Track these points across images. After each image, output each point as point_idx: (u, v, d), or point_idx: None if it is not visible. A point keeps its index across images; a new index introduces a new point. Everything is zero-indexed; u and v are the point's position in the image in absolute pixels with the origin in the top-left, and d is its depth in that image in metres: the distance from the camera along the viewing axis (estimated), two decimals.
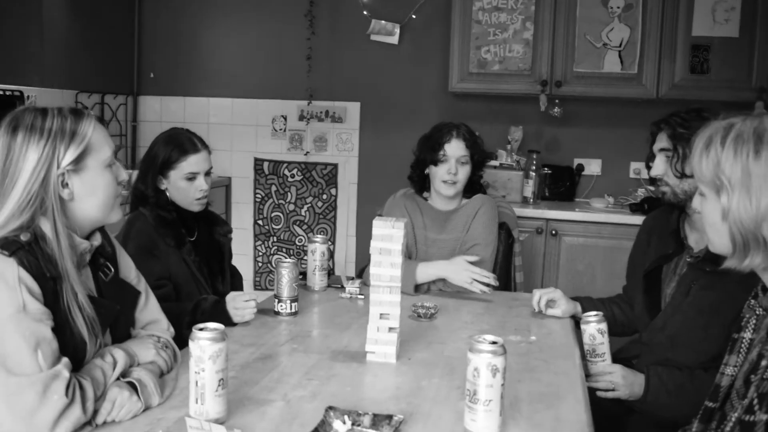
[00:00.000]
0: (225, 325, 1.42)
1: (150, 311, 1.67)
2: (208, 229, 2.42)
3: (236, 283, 2.56)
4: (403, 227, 1.75)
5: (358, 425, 1.35)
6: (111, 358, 1.41)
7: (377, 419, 1.36)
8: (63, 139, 1.38)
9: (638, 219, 3.04)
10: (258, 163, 4.67)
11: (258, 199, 4.71)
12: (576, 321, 2.17)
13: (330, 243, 4.54)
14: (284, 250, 4.71)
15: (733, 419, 1.20)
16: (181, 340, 1.69)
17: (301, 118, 4.57)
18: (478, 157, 2.68)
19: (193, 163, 2.28)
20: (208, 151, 2.34)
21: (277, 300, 2.13)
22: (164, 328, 1.68)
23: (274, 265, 4.68)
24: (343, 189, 4.60)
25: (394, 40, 4.34)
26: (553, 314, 2.23)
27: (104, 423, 1.33)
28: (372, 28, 4.33)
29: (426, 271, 2.48)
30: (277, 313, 2.13)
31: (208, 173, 2.33)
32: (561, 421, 1.44)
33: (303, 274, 2.39)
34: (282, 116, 4.60)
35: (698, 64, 3.74)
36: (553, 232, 3.77)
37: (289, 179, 4.65)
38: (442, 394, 1.57)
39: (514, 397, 1.53)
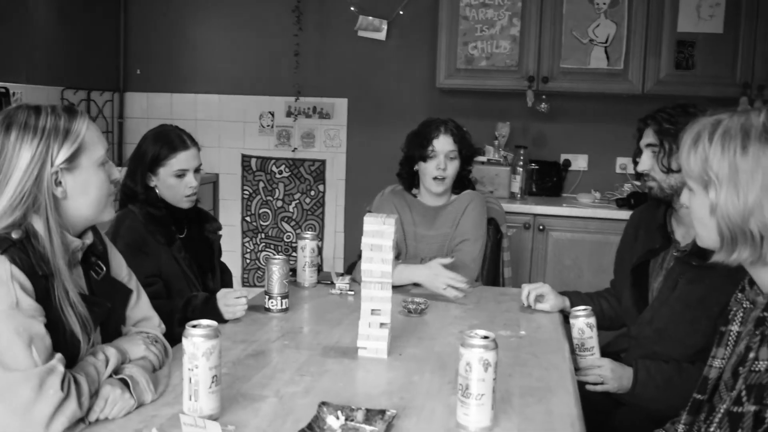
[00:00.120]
0: (216, 322, 1.42)
1: (141, 309, 1.67)
2: (197, 226, 2.41)
3: (226, 280, 2.56)
4: (394, 224, 1.76)
5: (352, 420, 1.36)
6: (103, 355, 1.41)
7: (370, 414, 1.37)
8: (56, 138, 1.38)
9: (625, 214, 3.06)
10: (245, 159, 4.66)
11: (246, 196, 4.70)
12: (565, 315, 2.19)
13: (319, 239, 4.54)
14: (272, 246, 4.70)
15: (722, 411, 1.21)
16: (173, 337, 1.69)
17: (289, 114, 4.57)
18: (467, 152, 2.68)
19: (182, 160, 2.27)
20: (197, 147, 2.34)
21: (267, 297, 2.14)
22: (155, 325, 1.68)
23: (262, 262, 4.68)
24: (331, 185, 4.60)
25: (381, 36, 4.35)
26: (542, 309, 2.25)
27: (97, 420, 1.33)
28: (359, 24, 4.33)
29: (401, 276, 2.42)
30: (268, 310, 2.13)
31: (197, 170, 2.32)
32: (552, 415, 1.45)
33: (293, 271, 2.39)
34: (269, 112, 4.60)
35: (683, 59, 3.78)
36: (541, 227, 3.79)
37: (277, 176, 4.64)
38: (434, 388, 1.58)
39: (506, 391, 1.55)
